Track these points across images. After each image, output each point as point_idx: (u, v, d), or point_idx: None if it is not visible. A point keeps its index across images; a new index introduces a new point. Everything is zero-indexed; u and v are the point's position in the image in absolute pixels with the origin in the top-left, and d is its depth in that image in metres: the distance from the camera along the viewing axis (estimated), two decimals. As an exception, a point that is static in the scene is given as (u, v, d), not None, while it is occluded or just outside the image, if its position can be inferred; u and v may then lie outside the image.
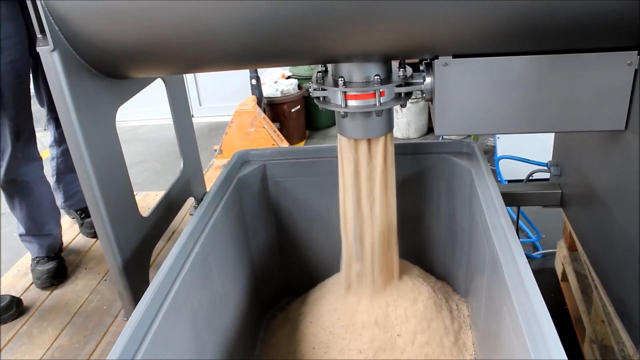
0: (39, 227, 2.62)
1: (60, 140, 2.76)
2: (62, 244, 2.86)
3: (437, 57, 1.30)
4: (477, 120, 1.36)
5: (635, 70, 1.27)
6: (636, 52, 1.25)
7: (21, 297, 2.51)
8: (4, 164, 2.36)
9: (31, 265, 2.69)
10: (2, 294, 2.48)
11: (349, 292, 1.75)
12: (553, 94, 1.32)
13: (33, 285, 2.64)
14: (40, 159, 2.55)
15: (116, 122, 1.57)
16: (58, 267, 2.67)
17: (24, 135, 2.36)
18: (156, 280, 1.25)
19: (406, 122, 4.23)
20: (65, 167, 2.83)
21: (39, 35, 1.28)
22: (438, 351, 1.65)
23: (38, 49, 1.29)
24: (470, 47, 1.27)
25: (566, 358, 0.91)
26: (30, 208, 2.55)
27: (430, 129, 4.38)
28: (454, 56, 1.29)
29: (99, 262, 2.78)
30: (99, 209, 1.47)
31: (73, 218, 3.12)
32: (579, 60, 1.28)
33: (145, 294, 1.20)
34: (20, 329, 2.35)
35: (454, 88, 1.32)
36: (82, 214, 3.04)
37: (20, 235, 2.66)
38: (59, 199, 2.88)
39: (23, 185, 2.48)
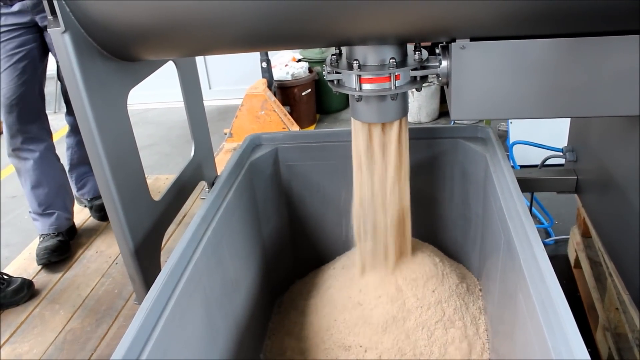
0: (42, 207, 2.69)
1: (76, 130, 2.79)
2: (73, 226, 2.88)
3: (454, 40, 1.28)
4: (494, 105, 1.33)
5: (658, 54, 1.24)
6: (657, 35, 1.22)
7: (33, 280, 2.53)
8: (7, 136, 2.49)
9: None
10: (13, 276, 2.49)
11: (361, 274, 1.74)
12: (572, 78, 1.29)
13: (44, 268, 2.66)
14: (47, 140, 2.58)
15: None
16: (57, 244, 2.71)
17: (17, 110, 2.44)
18: (169, 264, 1.24)
19: (417, 106, 4.19)
20: (78, 158, 2.87)
21: (49, 17, 1.27)
22: (451, 329, 1.64)
23: (49, 30, 1.27)
24: (488, 30, 1.24)
25: (584, 347, 0.90)
26: (33, 186, 2.63)
27: (442, 113, 4.34)
28: (472, 39, 1.27)
29: (109, 246, 2.79)
30: (111, 192, 1.46)
31: (84, 206, 3.15)
32: (599, 44, 1.25)
33: (158, 278, 1.20)
34: (33, 311, 2.37)
35: (471, 72, 1.29)
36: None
37: (29, 212, 2.75)
38: (72, 189, 2.92)
39: (26, 162, 2.57)
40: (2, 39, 2.31)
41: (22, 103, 2.44)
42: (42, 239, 2.74)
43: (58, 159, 2.73)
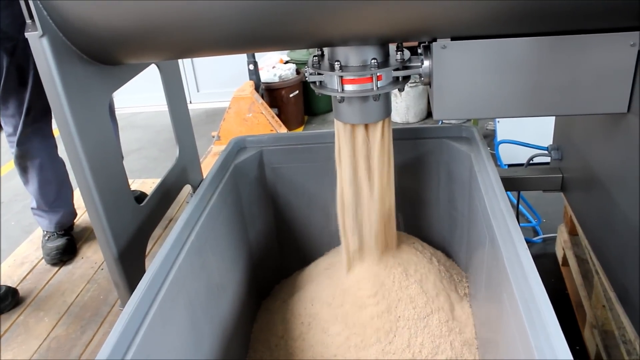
0: (47, 203, 2.68)
1: None
2: (73, 222, 2.90)
3: (435, 40, 1.28)
4: (476, 104, 1.33)
5: (639, 52, 1.24)
6: (639, 32, 1.22)
7: (17, 288, 2.50)
8: (16, 138, 2.44)
9: (42, 241, 2.76)
10: (-4, 285, 2.47)
11: (347, 272, 1.73)
12: (554, 77, 1.29)
13: (29, 275, 2.63)
14: (53, 137, 2.57)
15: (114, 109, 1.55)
16: (67, 244, 2.73)
17: (34, 111, 2.41)
18: (151, 269, 1.23)
19: (405, 107, 4.20)
20: None
21: (28, 21, 1.25)
22: (437, 325, 1.64)
23: (27, 34, 1.26)
24: (469, 29, 1.25)
25: (566, 346, 0.90)
26: (40, 184, 2.61)
27: (429, 113, 4.35)
28: (453, 38, 1.27)
29: (95, 252, 2.76)
30: (93, 198, 1.45)
31: None
32: (581, 42, 1.25)
33: (140, 283, 1.18)
34: (17, 319, 2.34)
35: (452, 71, 1.30)
36: None
37: (32, 208, 2.74)
38: None
39: (34, 161, 2.54)
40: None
41: (38, 102, 2.41)
42: (48, 237, 2.74)
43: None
